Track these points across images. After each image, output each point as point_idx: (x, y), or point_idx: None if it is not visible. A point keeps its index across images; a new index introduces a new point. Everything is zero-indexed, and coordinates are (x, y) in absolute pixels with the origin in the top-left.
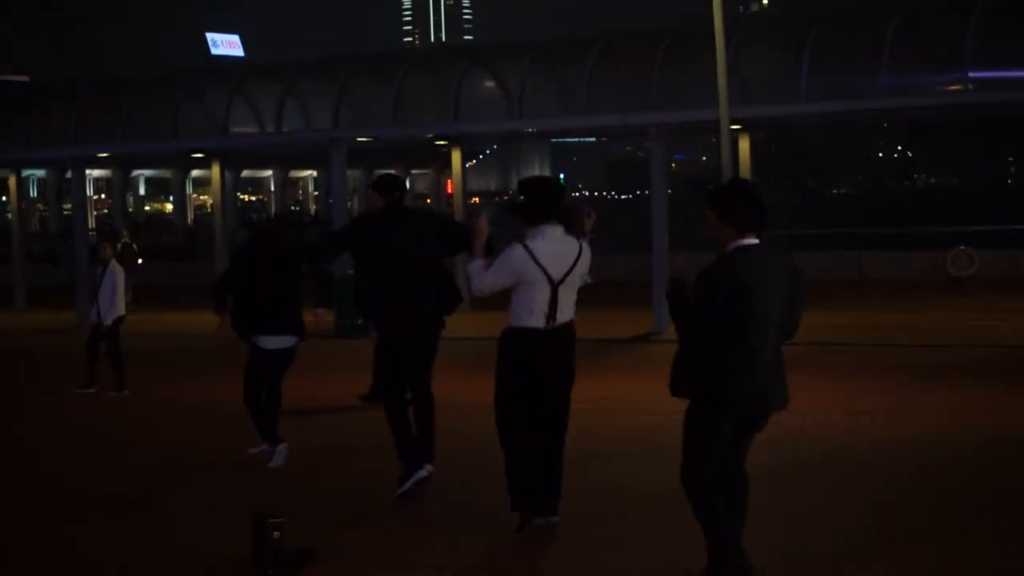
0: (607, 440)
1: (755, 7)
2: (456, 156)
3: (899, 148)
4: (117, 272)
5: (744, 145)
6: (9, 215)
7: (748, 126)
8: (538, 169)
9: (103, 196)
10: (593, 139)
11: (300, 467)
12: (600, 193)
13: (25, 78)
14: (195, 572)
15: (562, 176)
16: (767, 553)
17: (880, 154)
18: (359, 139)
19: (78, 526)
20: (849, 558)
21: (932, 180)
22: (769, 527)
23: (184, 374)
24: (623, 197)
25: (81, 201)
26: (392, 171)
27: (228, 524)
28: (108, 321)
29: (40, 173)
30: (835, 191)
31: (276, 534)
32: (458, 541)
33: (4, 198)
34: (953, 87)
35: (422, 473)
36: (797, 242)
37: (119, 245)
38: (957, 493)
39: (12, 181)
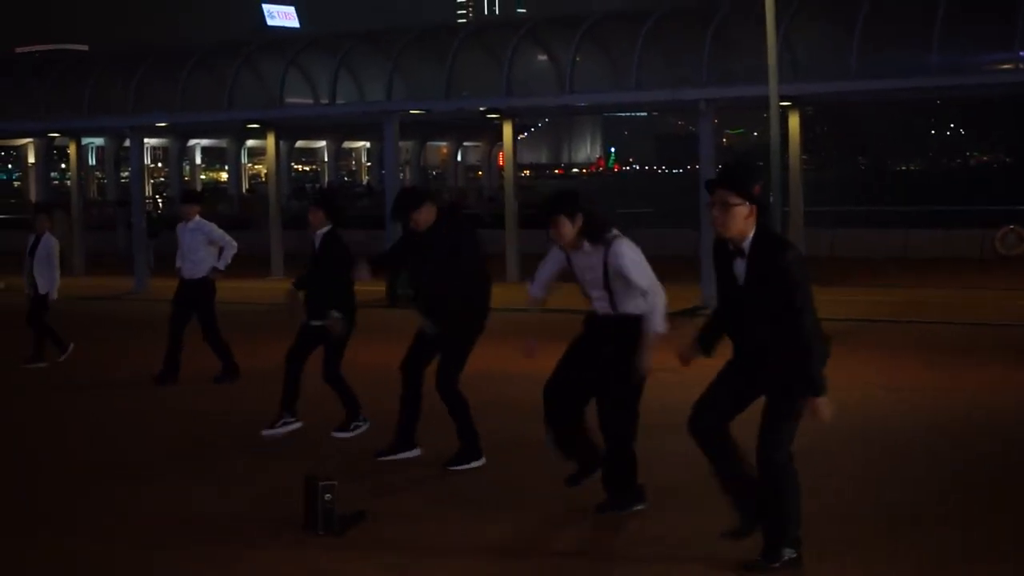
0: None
1: None
2: (507, 129)
3: (951, 126)
4: (53, 244)
5: (794, 122)
6: (69, 182)
7: (798, 103)
8: (588, 143)
9: (160, 164)
10: (644, 113)
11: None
12: (651, 167)
13: (84, 47)
14: (249, 533)
15: (612, 150)
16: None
17: (932, 132)
18: (411, 111)
19: (132, 489)
20: (876, 534)
21: (984, 158)
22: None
23: (241, 340)
24: (674, 171)
25: (139, 169)
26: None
27: (284, 487)
28: (55, 294)
29: (99, 141)
30: (901, 167)
31: (328, 496)
32: (504, 511)
33: (64, 166)
34: (1004, 66)
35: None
36: (844, 219)
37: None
38: (991, 468)
39: (72, 149)
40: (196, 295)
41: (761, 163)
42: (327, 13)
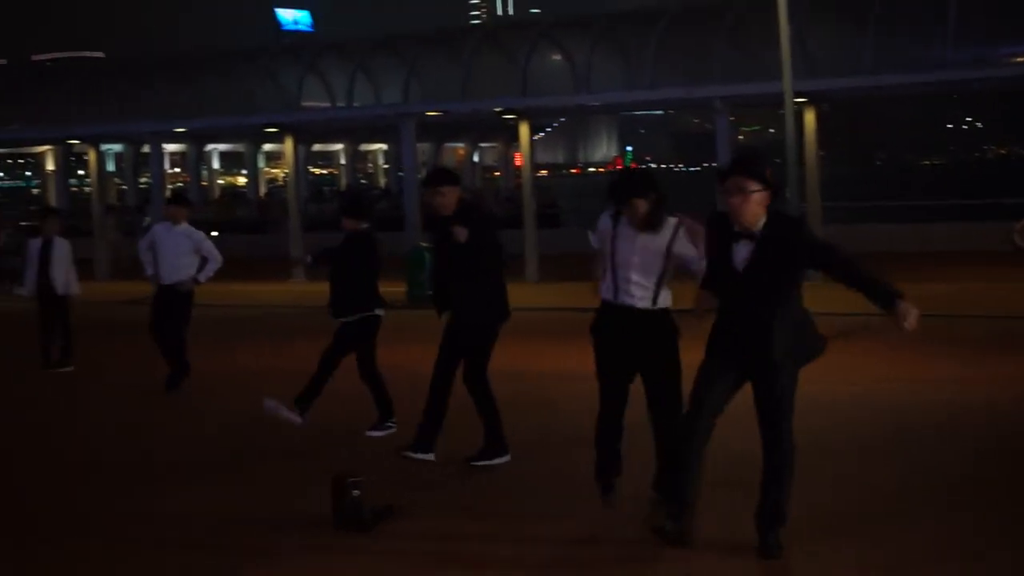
0: None
1: None
2: (524, 130)
3: (968, 119)
4: (67, 245)
5: (810, 118)
6: (87, 189)
7: (813, 99)
8: (605, 142)
9: (178, 170)
10: (660, 112)
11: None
12: (668, 165)
13: (100, 54)
14: (277, 532)
15: (629, 149)
16: (812, 515)
17: (949, 125)
18: (428, 113)
19: (164, 491)
20: (885, 521)
21: (1002, 151)
22: (815, 490)
23: (258, 342)
24: (691, 169)
25: (159, 175)
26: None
27: (311, 486)
28: (77, 289)
29: (117, 148)
30: (922, 162)
31: (355, 492)
32: (533, 503)
33: (82, 172)
34: (1018, 59)
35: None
36: (862, 214)
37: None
38: (1010, 461)
39: (92, 155)
40: (176, 299)
41: (779, 160)
42: (340, 16)
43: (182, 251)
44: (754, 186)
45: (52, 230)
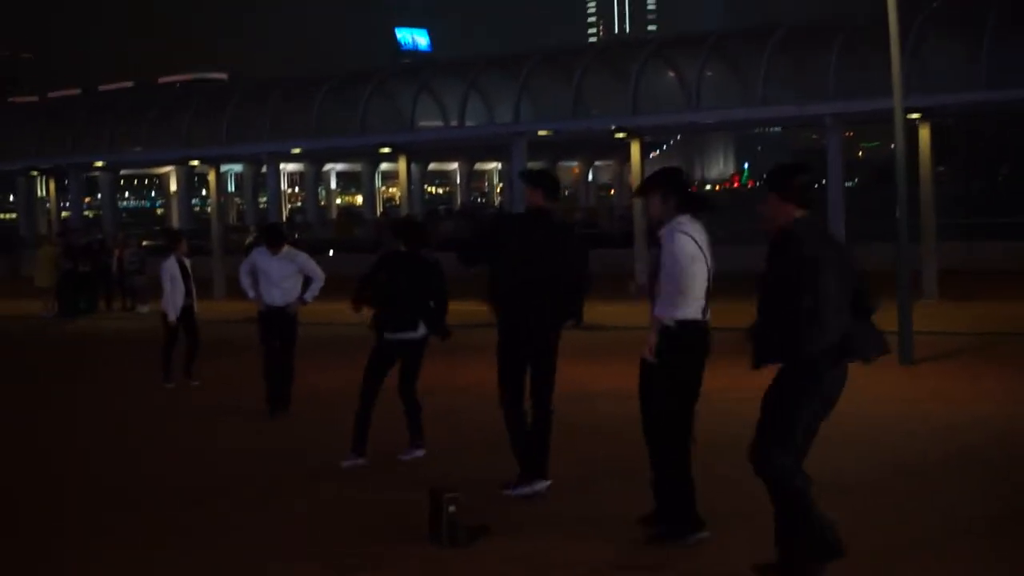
0: None
1: None
2: (635, 148)
3: None
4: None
5: (924, 134)
6: (209, 209)
7: (927, 115)
8: (722, 159)
9: (296, 189)
10: (778, 128)
11: (476, 445)
12: None
13: (224, 75)
14: (373, 545)
15: (746, 165)
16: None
17: None
18: (539, 132)
19: (247, 508)
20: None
21: None
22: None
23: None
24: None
25: (276, 194)
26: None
27: (406, 499)
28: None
29: (237, 168)
30: None
31: (452, 508)
32: (619, 526)
33: (204, 192)
34: None
35: (538, 488)
36: (982, 231)
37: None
38: None
39: (212, 176)
40: (286, 322)
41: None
42: (460, 37)
43: (286, 274)
44: None
45: (183, 251)
